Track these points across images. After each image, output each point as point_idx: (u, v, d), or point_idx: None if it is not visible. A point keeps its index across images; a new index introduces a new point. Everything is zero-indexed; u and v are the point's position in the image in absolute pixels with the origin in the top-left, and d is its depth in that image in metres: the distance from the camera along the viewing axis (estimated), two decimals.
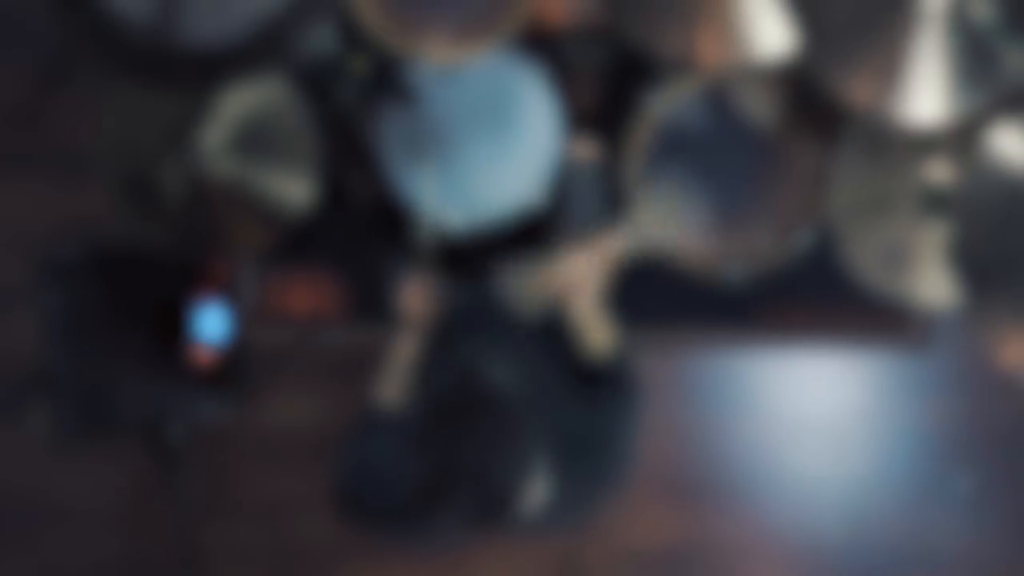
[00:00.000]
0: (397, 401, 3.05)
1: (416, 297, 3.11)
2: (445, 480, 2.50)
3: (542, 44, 3.55)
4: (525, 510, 2.63)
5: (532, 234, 3.32)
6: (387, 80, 3.22)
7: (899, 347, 4.38)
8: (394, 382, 3.07)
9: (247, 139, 3.20)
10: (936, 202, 3.23)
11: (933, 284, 3.31)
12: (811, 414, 4.49)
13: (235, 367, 3.66)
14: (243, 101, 3.19)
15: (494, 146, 3.38)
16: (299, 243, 3.46)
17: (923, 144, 3.23)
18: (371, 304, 3.36)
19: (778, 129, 3.44)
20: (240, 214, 3.23)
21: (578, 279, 3.09)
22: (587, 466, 2.78)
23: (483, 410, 2.53)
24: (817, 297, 4.26)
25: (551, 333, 3.15)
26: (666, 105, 3.32)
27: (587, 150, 3.61)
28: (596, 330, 3.06)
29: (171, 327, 3.59)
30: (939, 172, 3.24)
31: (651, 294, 4.16)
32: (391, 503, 2.72)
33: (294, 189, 3.22)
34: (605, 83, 3.72)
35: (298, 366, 4.29)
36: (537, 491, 2.64)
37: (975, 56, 2.75)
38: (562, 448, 2.72)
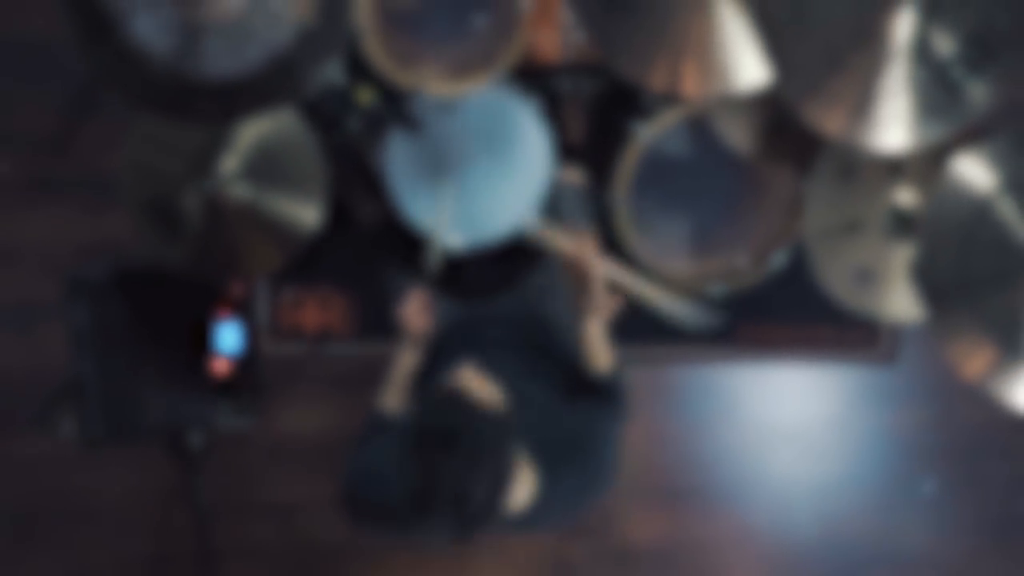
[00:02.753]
0: (397, 408, 3.05)
1: (416, 312, 3.09)
2: (429, 498, 2.47)
3: (535, 77, 3.54)
4: (505, 520, 2.60)
5: (524, 254, 3.31)
6: (393, 111, 3.20)
7: (869, 360, 4.37)
8: (394, 390, 3.06)
9: (260, 166, 3.18)
10: (902, 225, 3.21)
11: (900, 302, 3.29)
12: (786, 422, 4.48)
13: (250, 378, 3.64)
14: (257, 131, 3.17)
15: (491, 171, 3.37)
16: (310, 265, 3.44)
17: (891, 171, 3.21)
18: (376, 321, 3.34)
19: (756, 157, 3.43)
20: (253, 236, 3.22)
21: (602, 298, 3.08)
22: (580, 471, 2.75)
23: (463, 434, 2.49)
24: (792, 314, 4.26)
25: (549, 346, 3.12)
26: (652, 134, 3.30)
27: (576, 176, 3.59)
28: (602, 350, 3.04)
29: (191, 341, 3.57)
30: (905, 197, 3.22)
31: (638, 311, 4.15)
32: (390, 504, 2.68)
33: (304, 213, 3.21)
34: (593, 113, 3.71)
35: (308, 378, 4.27)
36: (517, 500, 2.61)
37: (939, 89, 2.73)
38: (558, 454, 2.70)
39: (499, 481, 2.49)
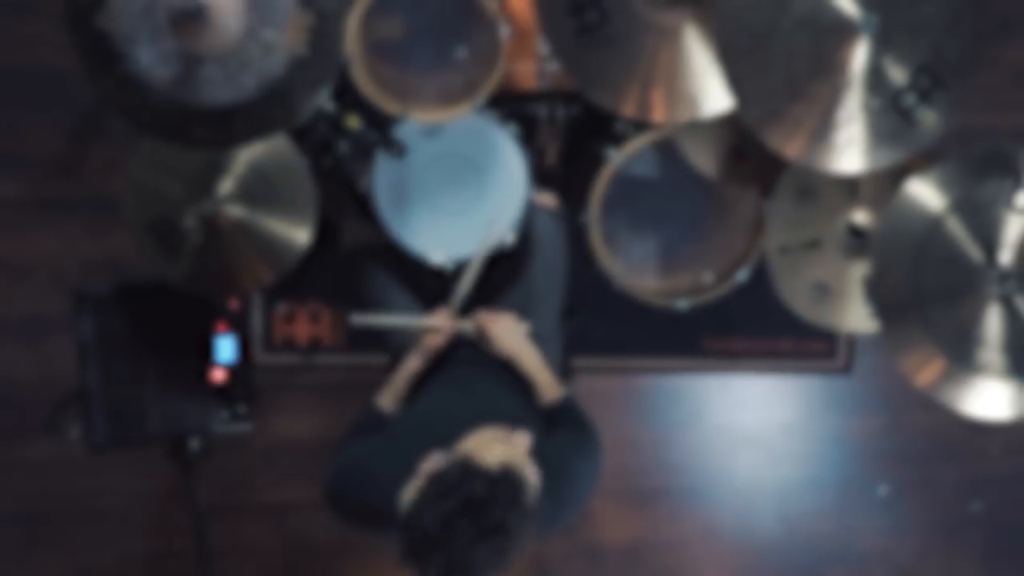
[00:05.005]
0: (391, 408, 3.05)
1: (439, 332, 3.10)
2: (429, 548, 2.39)
3: (513, 105, 3.53)
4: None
5: (504, 269, 3.29)
6: (379, 136, 3.19)
7: (826, 370, 4.36)
8: (394, 392, 3.07)
9: (255, 188, 3.16)
10: (858, 243, 3.20)
11: (856, 315, 3.29)
12: (749, 428, 4.46)
13: (245, 387, 3.62)
14: (252, 155, 3.15)
15: (470, 193, 3.36)
16: (301, 281, 3.42)
17: (847, 192, 3.20)
18: (362, 333, 3.32)
19: (721, 180, 3.41)
20: (248, 254, 3.20)
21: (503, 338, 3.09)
22: (553, 497, 2.68)
23: (505, 526, 2.40)
24: (755, 326, 4.25)
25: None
26: (623, 158, 3.29)
27: (550, 199, 3.58)
28: (542, 382, 3.02)
29: (189, 352, 3.55)
30: (861, 217, 3.21)
31: (611, 325, 4.14)
32: (374, 505, 2.64)
33: (295, 232, 3.19)
34: (568, 138, 3.70)
35: (300, 386, 4.25)
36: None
37: (893, 116, 2.73)
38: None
39: (502, 564, 2.42)
